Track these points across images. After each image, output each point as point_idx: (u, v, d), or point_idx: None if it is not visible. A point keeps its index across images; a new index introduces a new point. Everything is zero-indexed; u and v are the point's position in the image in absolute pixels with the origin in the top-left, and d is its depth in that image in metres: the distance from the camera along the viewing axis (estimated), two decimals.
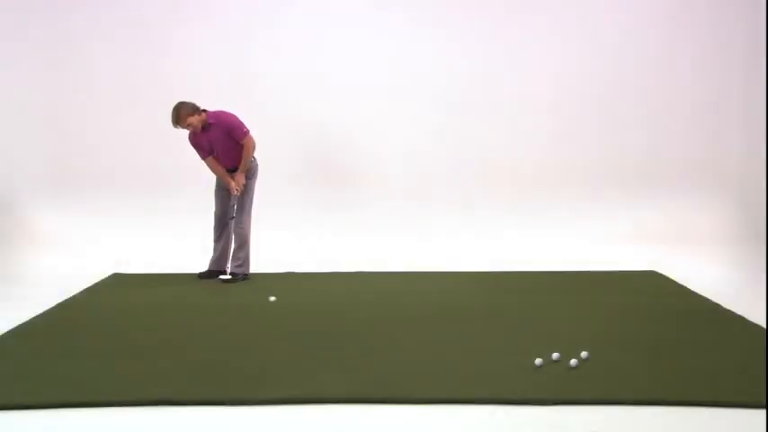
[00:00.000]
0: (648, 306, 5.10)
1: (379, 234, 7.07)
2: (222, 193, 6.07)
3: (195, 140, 5.94)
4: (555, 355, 3.87)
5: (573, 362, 3.79)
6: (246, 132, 5.90)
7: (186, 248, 6.72)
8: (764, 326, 4.51)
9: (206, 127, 5.86)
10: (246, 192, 5.98)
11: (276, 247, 6.65)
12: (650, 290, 5.59)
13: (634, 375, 3.66)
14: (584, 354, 3.88)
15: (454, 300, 5.30)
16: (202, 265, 6.22)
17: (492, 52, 7.42)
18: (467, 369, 3.77)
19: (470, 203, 7.37)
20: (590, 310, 4.98)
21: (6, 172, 7.00)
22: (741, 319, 4.71)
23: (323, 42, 7.36)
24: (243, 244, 6.00)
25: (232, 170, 5.96)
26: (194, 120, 5.78)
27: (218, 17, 7.32)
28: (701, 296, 5.34)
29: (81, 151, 7.27)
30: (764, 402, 3.30)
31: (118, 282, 6.00)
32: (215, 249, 6.14)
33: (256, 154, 6.03)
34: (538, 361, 3.80)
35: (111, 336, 4.42)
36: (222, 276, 6.02)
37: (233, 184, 5.90)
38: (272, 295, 5.30)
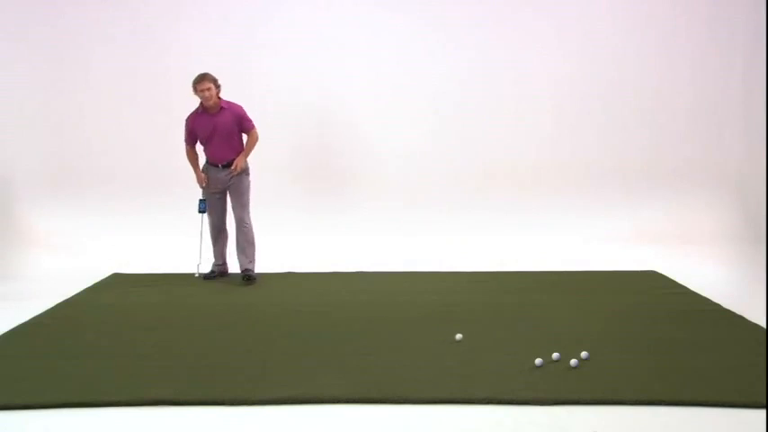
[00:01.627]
0: (649, 306, 5.10)
1: (378, 234, 7.07)
2: (214, 198, 6.02)
3: (195, 121, 5.87)
4: (555, 355, 3.88)
5: (573, 362, 3.79)
6: (254, 125, 5.96)
7: (186, 248, 6.71)
8: (764, 326, 4.52)
9: (214, 109, 5.79)
10: (244, 191, 5.96)
11: (276, 248, 6.65)
12: (650, 290, 5.59)
13: (634, 375, 3.67)
14: (584, 354, 3.88)
15: (454, 300, 5.30)
16: (202, 266, 6.21)
17: (492, 52, 7.41)
18: (467, 369, 3.77)
19: (470, 203, 7.37)
20: (590, 310, 4.98)
21: (6, 172, 6.99)
22: (741, 319, 4.72)
23: (322, 43, 7.35)
24: (252, 242, 6.02)
25: (227, 164, 5.90)
26: (213, 90, 5.71)
27: (218, 17, 7.31)
28: (701, 296, 5.34)
29: (81, 151, 7.26)
30: (764, 402, 3.30)
31: (118, 282, 6.00)
32: (215, 253, 6.17)
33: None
34: (538, 361, 3.80)
35: (111, 336, 4.42)
36: (202, 272, 6.15)
37: (203, 176, 5.93)
38: (458, 334, 4.38)
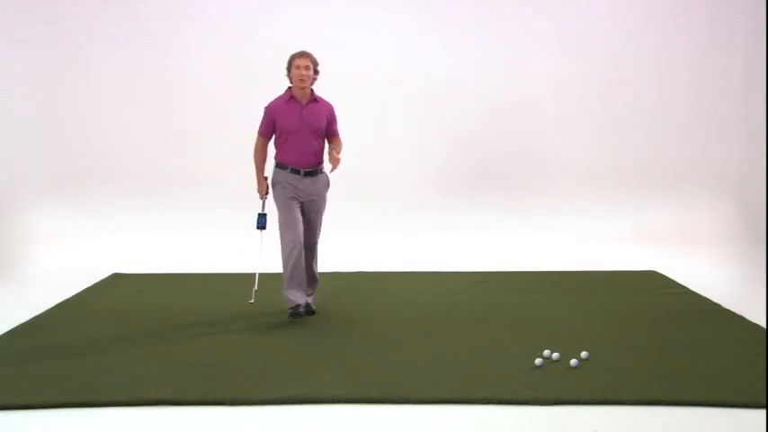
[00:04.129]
0: (649, 306, 5.10)
1: (378, 234, 7.07)
2: (295, 211, 4.69)
3: (280, 109, 4.70)
4: (555, 355, 3.88)
5: (573, 362, 3.79)
6: None
7: (187, 248, 6.73)
8: (764, 326, 4.52)
9: (305, 98, 4.73)
10: (324, 209, 4.87)
11: (276, 248, 6.64)
12: (650, 290, 5.59)
13: (634, 375, 3.67)
14: (584, 354, 3.88)
15: (454, 300, 5.29)
16: (202, 266, 6.21)
17: (492, 52, 7.42)
18: (467, 369, 3.77)
19: (470, 203, 7.37)
20: (590, 310, 4.98)
21: (6, 172, 7.00)
22: (741, 319, 4.72)
23: (322, 43, 7.34)
24: (317, 262, 5.00)
25: (311, 171, 4.71)
26: (311, 72, 4.70)
27: (218, 17, 7.32)
28: (701, 296, 5.34)
29: (81, 151, 7.27)
30: (764, 402, 3.30)
31: (118, 282, 6.00)
32: (297, 285, 4.70)
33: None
34: (538, 361, 3.80)
35: (111, 336, 4.42)
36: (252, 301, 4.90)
37: (265, 186, 4.83)
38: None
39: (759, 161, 7.31)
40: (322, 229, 4.96)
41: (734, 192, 7.47)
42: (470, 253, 6.84)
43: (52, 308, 5.07)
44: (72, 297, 5.41)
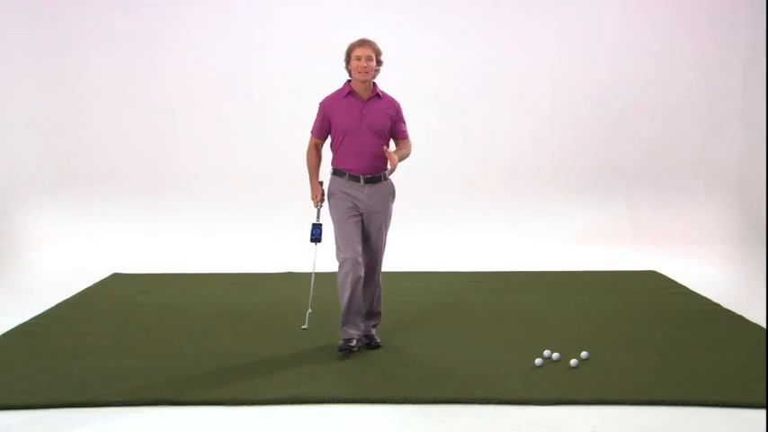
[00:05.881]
0: (649, 306, 5.10)
1: None
2: (350, 223, 4.13)
3: (337, 105, 4.15)
4: (555, 355, 3.88)
5: (573, 362, 3.79)
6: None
7: (187, 248, 6.72)
8: (764, 326, 4.52)
9: (366, 93, 4.15)
10: (389, 222, 4.30)
11: (276, 248, 6.65)
12: (650, 290, 5.59)
13: (634, 375, 3.67)
14: (584, 354, 3.89)
15: (454, 300, 5.30)
16: (202, 266, 6.20)
17: (492, 52, 7.41)
18: (467, 369, 3.77)
19: (470, 203, 7.36)
20: (590, 310, 4.99)
21: (6, 172, 6.99)
22: (741, 319, 4.72)
23: (322, 43, 7.34)
24: (380, 296, 4.29)
25: (371, 179, 4.16)
26: (373, 64, 4.05)
27: (218, 17, 7.31)
28: (701, 296, 5.34)
29: (81, 151, 7.26)
30: (764, 402, 3.31)
31: (118, 282, 6.00)
32: (355, 314, 4.05)
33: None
34: (538, 361, 3.81)
35: (111, 336, 4.42)
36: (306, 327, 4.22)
37: (320, 191, 4.26)
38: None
39: (759, 161, 7.31)
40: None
41: (734, 192, 7.47)
42: (470, 253, 6.84)
43: (52, 308, 5.07)
44: (72, 297, 5.41)
